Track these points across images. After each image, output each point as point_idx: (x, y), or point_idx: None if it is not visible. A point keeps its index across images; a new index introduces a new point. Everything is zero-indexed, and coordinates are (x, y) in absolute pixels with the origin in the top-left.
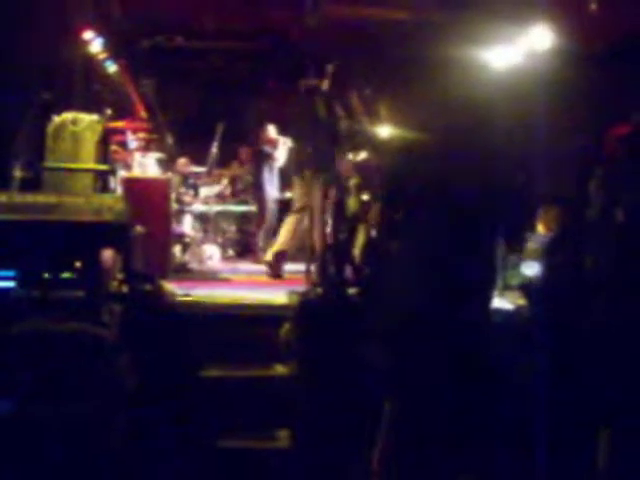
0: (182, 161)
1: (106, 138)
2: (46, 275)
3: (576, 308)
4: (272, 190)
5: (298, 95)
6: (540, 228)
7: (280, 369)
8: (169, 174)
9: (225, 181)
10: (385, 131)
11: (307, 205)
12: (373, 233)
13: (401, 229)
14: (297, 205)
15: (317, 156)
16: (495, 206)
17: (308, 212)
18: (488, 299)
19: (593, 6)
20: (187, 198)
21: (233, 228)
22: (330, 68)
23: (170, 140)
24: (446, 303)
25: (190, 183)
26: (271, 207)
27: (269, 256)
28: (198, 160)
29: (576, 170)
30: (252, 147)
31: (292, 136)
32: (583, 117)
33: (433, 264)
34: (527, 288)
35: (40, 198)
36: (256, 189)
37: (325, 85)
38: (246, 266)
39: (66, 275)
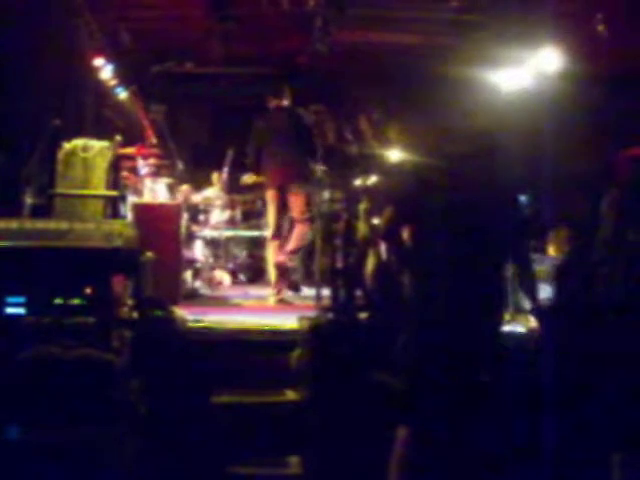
0: (184, 188)
1: (116, 164)
2: (56, 301)
3: (589, 330)
4: None
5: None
6: (551, 250)
7: (291, 395)
8: (179, 199)
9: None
10: (395, 155)
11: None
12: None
13: (412, 254)
14: (273, 227)
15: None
16: (504, 229)
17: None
18: (498, 323)
19: (601, 28)
20: (194, 227)
21: (244, 253)
22: (287, 89)
23: (180, 166)
24: (457, 328)
25: (200, 209)
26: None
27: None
28: (208, 186)
29: (586, 192)
30: None
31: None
32: (592, 138)
33: (443, 289)
34: (539, 311)
35: (51, 224)
36: None
37: (287, 102)
38: (257, 291)
39: (76, 301)
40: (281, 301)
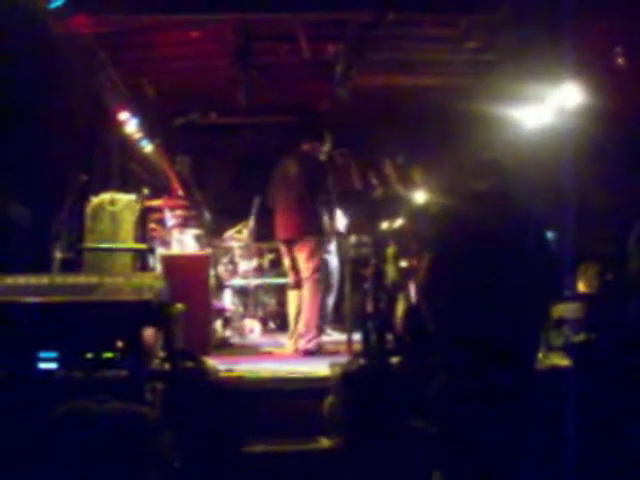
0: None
1: (144, 217)
2: (88, 356)
3: (620, 365)
4: (334, 258)
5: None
6: (581, 286)
7: (325, 442)
8: (208, 250)
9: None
10: (420, 197)
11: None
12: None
13: (441, 295)
14: (291, 276)
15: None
16: (529, 267)
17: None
18: (532, 363)
19: (620, 61)
20: (224, 275)
21: (273, 301)
22: (327, 135)
23: (207, 216)
24: (491, 370)
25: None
26: (335, 275)
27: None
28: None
29: (613, 227)
30: None
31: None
32: (617, 173)
33: (475, 331)
34: (570, 348)
35: (81, 279)
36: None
37: (326, 148)
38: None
39: (108, 355)
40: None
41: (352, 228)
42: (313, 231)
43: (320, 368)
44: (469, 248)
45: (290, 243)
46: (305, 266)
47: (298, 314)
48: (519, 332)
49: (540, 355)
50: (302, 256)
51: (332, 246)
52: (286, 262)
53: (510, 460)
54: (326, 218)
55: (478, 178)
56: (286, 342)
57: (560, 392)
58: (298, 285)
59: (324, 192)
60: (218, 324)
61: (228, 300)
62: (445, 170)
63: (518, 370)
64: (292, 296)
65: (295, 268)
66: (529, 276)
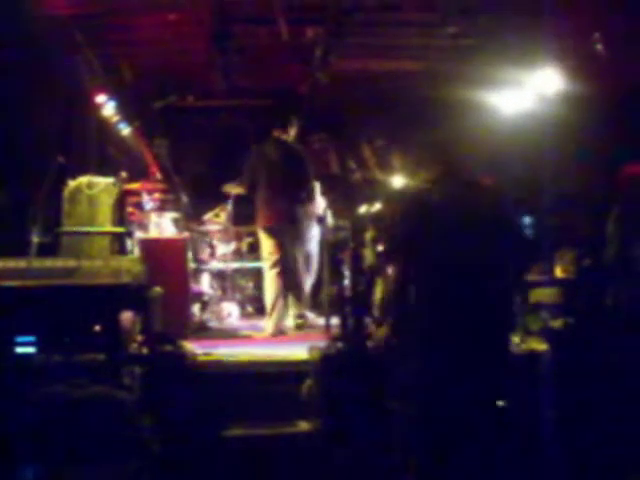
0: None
1: (122, 200)
2: (66, 339)
3: (598, 350)
4: (315, 242)
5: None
6: (558, 271)
7: (304, 425)
8: (185, 233)
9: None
10: (398, 181)
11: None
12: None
13: (416, 280)
14: (271, 258)
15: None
16: (505, 253)
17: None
18: (507, 346)
19: (599, 47)
20: (206, 257)
21: (251, 285)
22: (294, 120)
23: (185, 199)
24: (469, 352)
25: (207, 241)
26: (315, 260)
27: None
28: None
29: (591, 211)
30: None
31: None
32: (594, 159)
33: (450, 315)
34: (548, 333)
35: (59, 262)
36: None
37: (292, 133)
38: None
39: (86, 339)
40: (280, 332)
41: (330, 212)
42: (298, 217)
43: (298, 352)
44: (438, 234)
45: (275, 230)
46: (294, 254)
47: (277, 296)
48: (493, 315)
49: (518, 340)
50: (291, 242)
51: (313, 231)
52: (267, 246)
53: (489, 442)
54: (307, 203)
55: (425, 167)
56: (264, 325)
57: (537, 376)
58: (279, 264)
59: (304, 177)
60: (196, 308)
61: (206, 284)
62: (422, 155)
63: (495, 352)
64: (270, 277)
65: (277, 249)
66: (499, 259)
